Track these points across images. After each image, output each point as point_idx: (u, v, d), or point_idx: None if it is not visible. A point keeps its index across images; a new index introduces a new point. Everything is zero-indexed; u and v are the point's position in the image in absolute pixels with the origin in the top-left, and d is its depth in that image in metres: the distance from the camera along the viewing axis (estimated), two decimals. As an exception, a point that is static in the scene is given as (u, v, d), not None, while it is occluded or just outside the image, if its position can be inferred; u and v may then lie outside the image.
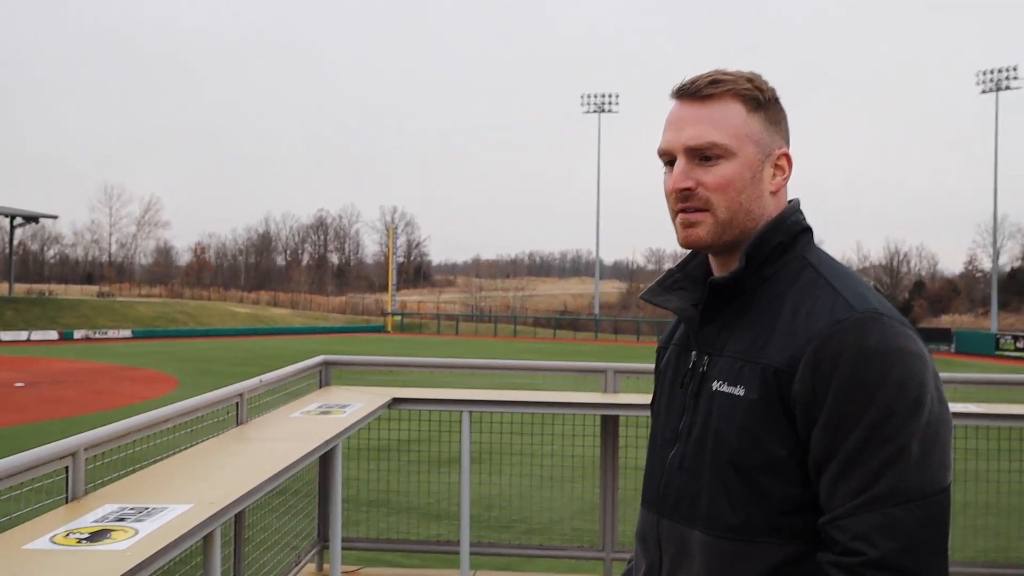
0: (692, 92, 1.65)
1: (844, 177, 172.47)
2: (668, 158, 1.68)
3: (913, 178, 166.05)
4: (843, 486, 1.45)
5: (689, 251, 1.79)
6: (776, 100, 1.69)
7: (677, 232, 1.68)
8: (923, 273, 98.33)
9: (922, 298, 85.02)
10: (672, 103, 1.70)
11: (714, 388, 1.63)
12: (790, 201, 1.72)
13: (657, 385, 1.88)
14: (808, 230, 1.70)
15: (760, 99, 1.65)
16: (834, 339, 1.48)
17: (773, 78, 1.72)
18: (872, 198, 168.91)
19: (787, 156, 1.69)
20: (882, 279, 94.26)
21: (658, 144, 1.69)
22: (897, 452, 1.43)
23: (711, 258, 1.76)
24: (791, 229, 1.67)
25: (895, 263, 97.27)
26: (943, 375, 5.53)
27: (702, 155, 1.62)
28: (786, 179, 1.69)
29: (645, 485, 1.79)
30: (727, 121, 1.62)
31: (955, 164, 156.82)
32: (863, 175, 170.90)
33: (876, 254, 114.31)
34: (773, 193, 1.68)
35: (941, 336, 59.44)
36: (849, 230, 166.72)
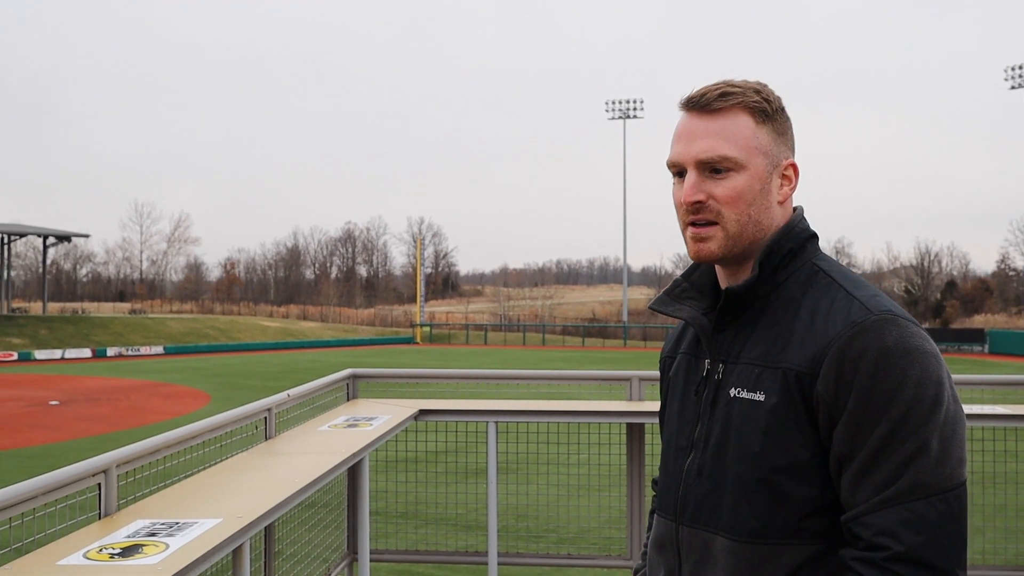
0: (702, 105, 1.67)
1: (873, 177, 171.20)
2: (677, 170, 1.70)
3: (943, 176, 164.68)
4: (866, 482, 1.49)
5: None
6: (783, 110, 1.71)
7: (688, 245, 1.71)
8: (955, 273, 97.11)
9: (954, 298, 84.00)
10: (681, 114, 1.71)
11: (732, 395, 1.65)
12: (795, 208, 1.76)
13: (666, 394, 1.91)
14: (815, 236, 1.74)
15: (768, 110, 1.68)
16: (854, 340, 1.52)
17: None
18: (902, 198, 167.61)
19: (794, 166, 1.73)
20: (913, 279, 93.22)
21: (668, 155, 1.72)
22: (919, 448, 1.47)
23: (718, 267, 1.79)
24: (799, 236, 1.71)
25: (926, 263, 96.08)
26: (976, 376, 5.54)
27: (712, 168, 1.65)
28: (793, 189, 1.73)
29: (660, 493, 1.81)
30: (737, 134, 1.65)
31: (985, 161, 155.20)
32: (892, 174, 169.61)
33: (907, 254, 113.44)
34: (780, 203, 1.71)
35: (974, 336, 58.76)
36: (879, 230, 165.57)
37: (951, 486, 1.48)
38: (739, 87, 1.67)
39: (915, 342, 1.52)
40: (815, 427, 1.56)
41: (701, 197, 1.65)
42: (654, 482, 2.08)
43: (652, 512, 2.03)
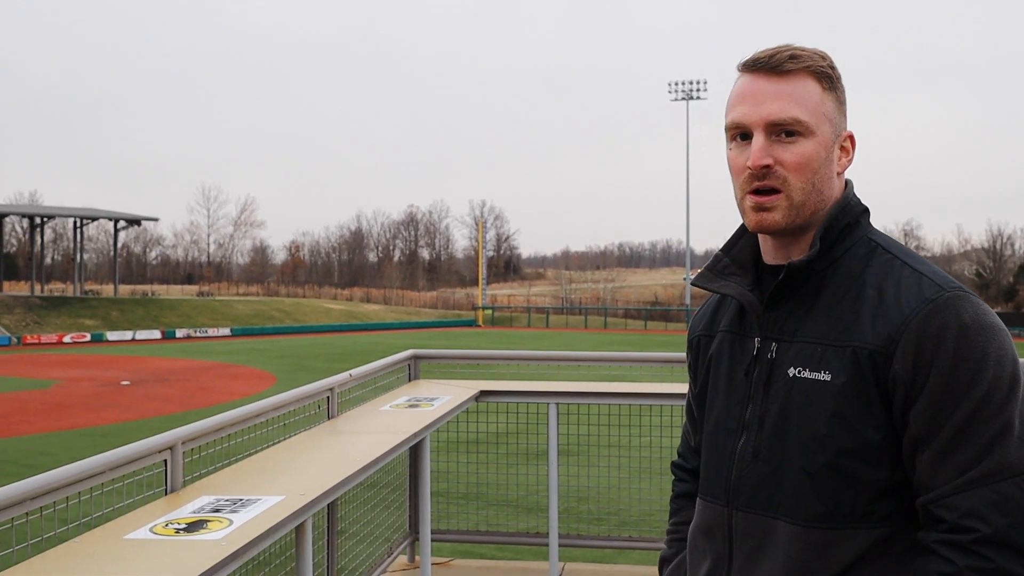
0: (772, 66, 1.59)
1: (944, 158, 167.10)
2: (740, 131, 1.62)
3: (1016, 156, 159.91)
4: (948, 463, 1.45)
5: (735, 233, 1.75)
6: (841, 79, 1.65)
7: (746, 215, 1.64)
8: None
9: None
10: (741, 76, 1.64)
11: (791, 375, 1.58)
12: (846, 181, 1.69)
13: (706, 374, 1.81)
14: (867, 211, 1.68)
15: (833, 77, 1.62)
16: (932, 318, 1.47)
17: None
18: (973, 179, 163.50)
19: (852, 138, 1.67)
20: (984, 262, 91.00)
21: (729, 117, 1.63)
22: (1003, 428, 1.43)
23: (764, 240, 1.71)
24: (855, 210, 1.65)
25: (998, 246, 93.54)
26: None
27: (783, 131, 1.57)
28: (850, 161, 1.67)
29: (707, 477, 1.73)
30: (807, 98, 1.58)
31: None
32: (963, 155, 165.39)
33: (978, 237, 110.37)
34: (839, 174, 1.65)
35: (1049, 321, 57.16)
36: (950, 213, 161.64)
37: None
38: (807, 52, 1.61)
39: (990, 319, 1.48)
40: (887, 407, 1.50)
41: (769, 161, 1.57)
42: (674, 465, 2.00)
43: (676, 496, 1.95)
